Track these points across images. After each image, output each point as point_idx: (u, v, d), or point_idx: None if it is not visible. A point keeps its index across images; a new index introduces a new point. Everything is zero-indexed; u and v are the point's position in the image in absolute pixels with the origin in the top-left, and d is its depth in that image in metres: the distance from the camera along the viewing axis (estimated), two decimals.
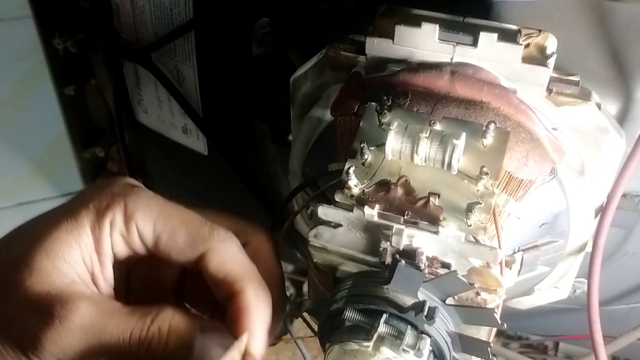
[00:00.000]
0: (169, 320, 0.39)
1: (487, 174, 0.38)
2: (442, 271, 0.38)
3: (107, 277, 0.43)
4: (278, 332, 0.45)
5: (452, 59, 0.44)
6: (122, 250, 0.42)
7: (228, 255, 0.42)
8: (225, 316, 0.41)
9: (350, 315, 0.37)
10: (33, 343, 0.38)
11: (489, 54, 0.43)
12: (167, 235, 0.42)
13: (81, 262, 0.41)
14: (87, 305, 0.39)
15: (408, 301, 0.37)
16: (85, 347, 0.38)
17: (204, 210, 0.44)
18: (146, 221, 0.41)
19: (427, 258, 0.38)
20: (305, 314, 0.45)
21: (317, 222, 0.40)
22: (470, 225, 0.37)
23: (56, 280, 0.39)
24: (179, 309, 0.40)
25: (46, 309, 0.38)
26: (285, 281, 0.46)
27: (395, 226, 0.38)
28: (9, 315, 0.39)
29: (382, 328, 0.36)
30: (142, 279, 0.47)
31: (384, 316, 0.36)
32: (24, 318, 0.39)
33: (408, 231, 0.38)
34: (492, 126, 0.40)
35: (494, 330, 0.39)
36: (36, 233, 0.41)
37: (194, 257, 0.42)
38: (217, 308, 0.45)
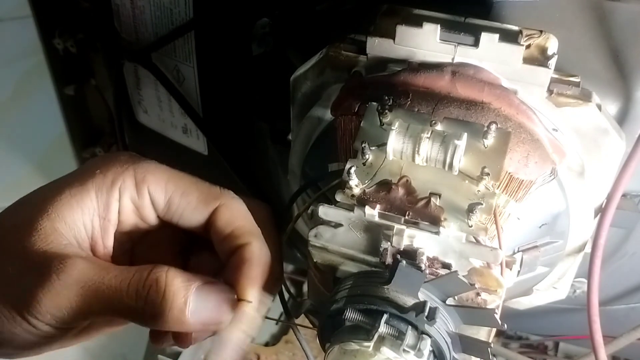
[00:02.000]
0: (165, 273, 0.39)
1: (488, 174, 0.38)
2: (442, 271, 0.38)
3: (107, 244, 0.43)
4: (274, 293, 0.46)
5: (453, 59, 0.44)
6: (130, 218, 0.43)
7: (238, 211, 0.43)
8: (224, 273, 0.42)
9: (350, 315, 0.37)
10: (29, 300, 0.38)
11: (490, 55, 0.44)
12: (179, 195, 0.43)
13: (81, 226, 0.41)
14: (84, 261, 0.39)
15: (408, 301, 0.37)
16: (81, 301, 0.38)
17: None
18: (158, 184, 0.43)
19: (428, 258, 0.38)
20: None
21: (318, 221, 0.40)
22: (471, 226, 0.37)
23: (54, 241, 0.40)
24: (172, 267, 0.40)
25: (43, 265, 0.38)
26: (282, 256, 0.47)
27: (396, 226, 0.38)
28: (6, 274, 0.39)
29: (382, 328, 0.36)
30: (144, 256, 0.47)
31: (385, 316, 0.36)
32: (20, 275, 0.39)
33: (409, 231, 0.38)
34: (493, 127, 0.40)
35: (494, 330, 0.39)
36: (40, 197, 0.42)
37: (207, 213, 0.43)
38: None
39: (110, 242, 0.43)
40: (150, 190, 0.43)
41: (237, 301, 0.40)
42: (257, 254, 0.42)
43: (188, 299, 0.39)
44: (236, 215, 0.43)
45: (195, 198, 0.43)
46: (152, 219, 0.44)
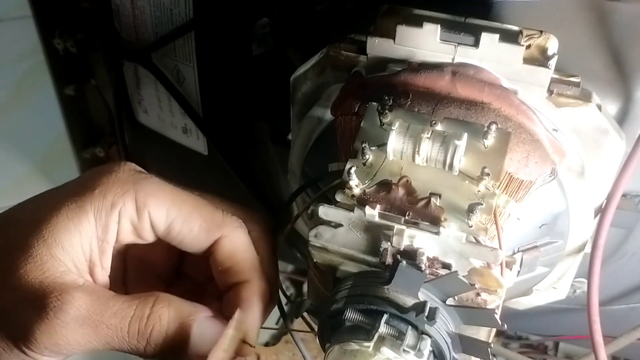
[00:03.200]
0: (168, 308, 0.39)
1: (488, 174, 0.38)
2: (442, 272, 0.38)
3: (105, 265, 0.42)
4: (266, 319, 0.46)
5: (453, 59, 0.44)
6: (128, 238, 0.42)
7: (239, 244, 0.42)
8: (221, 303, 0.42)
9: (350, 315, 0.37)
10: (25, 335, 0.37)
11: (491, 55, 0.43)
12: (181, 222, 0.42)
13: (79, 250, 0.40)
14: (83, 296, 0.38)
15: (409, 301, 0.37)
16: (80, 339, 0.37)
17: (204, 195, 0.44)
18: (159, 208, 0.41)
19: (428, 258, 0.38)
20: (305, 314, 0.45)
21: (318, 221, 0.40)
22: (472, 226, 0.37)
23: (50, 269, 0.38)
24: (173, 296, 0.40)
25: (39, 300, 0.37)
26: (279, 272, 0.47)
27: (396, 226, 0.38)
28: (1, 305, 0.38)
29: (382, 328, 0.36)
30: (138, 263, 0.46)
31: (385, 316, 0.36)
32: (16, 308, 0.38)
33: (409, 231, 0.38)
34: (493, 127, 0.40)
35: (494, 330, 0.39)
36: (34, 218, 0.39)
37: (208, 243, 0.42)
38: (208, 296, 0.45)
39: (108, 263, 0.42)
40: (152, 214, 0.41)
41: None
42: (257, 294, 0.41)
43: (190, 336, 0.39)
44: (237, 248, 0.42)
45: (197, 226, 0.42)
46: (152, 239, 0.43)
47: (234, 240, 0.42)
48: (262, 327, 0.43)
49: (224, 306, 0.42)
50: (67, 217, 0.39)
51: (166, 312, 0.39)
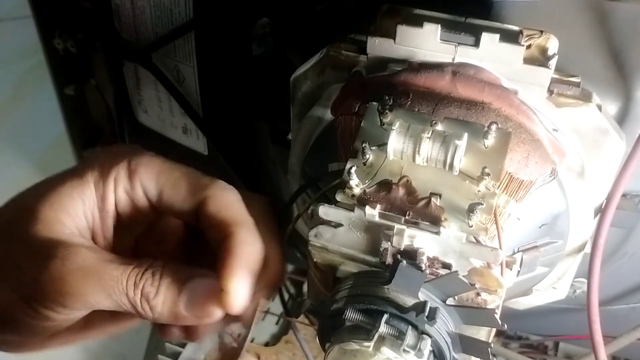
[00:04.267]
0: (161, 267, 0.40)
1: (488, 174, 0.38)
2: (442, 271, 0.38)
3: (106, 235, 0.44)
4: (273, 295, 0.45)
5: (453, 59, 0.44)
6: (126, 207, 0.44)
7: (226, 201, 0.42)
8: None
9: (350, 315, 0.37)
10: (33, 285, 0.39)
11: (491, 55, 0.44)
12: (170, 186, 0.43)
13: (82, 217, 0.42)
14: (88, 250, 0.40)
15: (409, 301, 0.37)
16: (84, 288, 0.39)
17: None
18: (149, 175, 0.43)
19: (428, 258, 0.38)
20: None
21: (318, 221, 0.40)
22: (472, 226, 0.37)
23: (57, 230, 0.40)
24: (172, 263, 0.41)
25: (48, 251, 0.39)
26: (283, 250, 0.46)
27: (397, 226, 0.38)
28: (10, 261, 0.40)
29: (383, 328, 0.36)
30: (147, 246, 0.47)
31: (385, 316, 0.36)
32: (25, 261, 0.40)
33: (409, 231, 0.38)
34: (493, 127, 0.40)
35: (494, 330, 0.39)
36: (43, 188, 0.42)
37: (195, 203, 0.42)
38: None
39: (109, 234, 0.44)
40: (142, 181, 0.43)
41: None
42: (241, 242, 0.40)
43: (182, 293, 0.39)
44: (224, 205, 0.42)
45: (184, 189, 0.43)
46: (147, 209, 0.44)
47: (220, 198, 0.42)
48: (268, 313, 0.42)
49: (216, 266, 0.42)
50: (71, 186, 0.42)
51: (159, 270, 0.40)
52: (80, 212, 0.42)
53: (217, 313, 0.40)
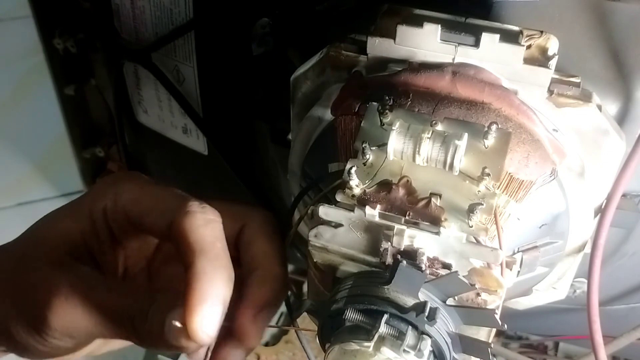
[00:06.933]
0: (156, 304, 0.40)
1: (488, 174, 0.38)
2: (442, 272, 0.38)
3: (101, 255, 0.45)
4: (272, 317, 0.45)
5: (453, 59, 0.44)
6: (120, 234, 0.45)
7: (190, 226, 0.40)
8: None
9: (350, 315, 0.37)
10: (40, 320, 0.40)
11: (491, 55, 0.43)
12: (147, 212, 0.43)
13: (78, 237, 0.44)
14: (78, 279, 0.41)
15: (409, 302, 0.37)
16: (87, 323, 0.40)
17: (202, 198, 0.44)
18: (130, 203, 0.44)
19: (428, 259, 0.38)
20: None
21: (318, 221, 0.40)
22: (472, 226, 0.37)
23: (51, 252, 0.42)
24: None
25: (51, 285, 0.40)
26: (287, 264, 0.45)
27: (397, 226, 0.38)
28: (19, 294, 0.42)
29: (383, 328, 0.36)
30: (160, 270, 0.49)
31: (385, 316, 0.36)
32: (31, 295, 0.41)
33: (409, 232, 0.38)
34: (493, 127, 0.40)
35: (494, 330, 0.39)
36: (46, 218, 0.45)
37: (164, 226, 0.41)
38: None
39: (104, 254, 0.45)
40: (126, 209, 0.44)
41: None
42: (198, 274, 0.38)
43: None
44: (187, 230, 0.40)
45: (157, 214, 0.42)
46: (135, 234, 0.46)
47: (184, 224, 0.40)
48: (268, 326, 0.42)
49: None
50: (69, 216, 0.44)
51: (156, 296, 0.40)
52: (75, 233, 0.44)
53: (191, 345, 0.38)
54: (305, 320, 0.48)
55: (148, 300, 0.40)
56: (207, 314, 0.37)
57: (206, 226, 0.40)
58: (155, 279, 0.49)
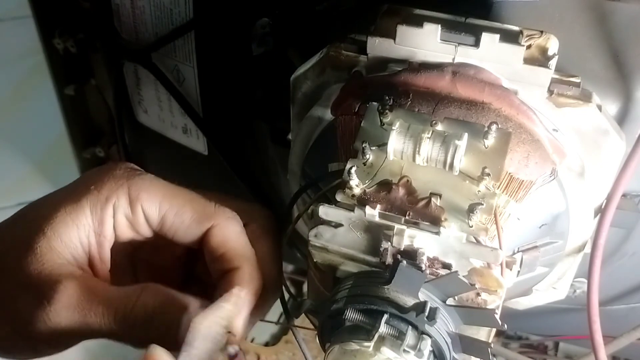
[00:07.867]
0: (154, 297, 0.39)
1: (488, 174, 0.38)
2: (442, 272, 0.38)
3: (103, 258, 0.43)
4: (265, 313, 0.46)
5: (453, 59, 0.44)
6: (126, 233, 0.43)
7: (231, 233, 0.42)
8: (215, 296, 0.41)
9: (350, 315, 0.37)
10: (24, 323, 0.39)
11: (491, 55, 0.43)
12: (173, 214, 0.43)
13: (77, 243, 0.42)
14: (75, 285, 0.39)
15: (409, 301, 0.37)
16: (71, 327, 0.39)
17: (206, 193, 0.45)
18: (151, 202, 0.42)
19: (428, 258, 0.38)
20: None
21: (318, 221, 0.40)
22: (472, 226, 0.37)
23: (49, 260, 0.40)
24: (166, 288, 0.40)
25: (36, 289, 0.39)
26: (282, 265, 0.46)
27: (397, 226, 0.38)
28: (3, 295, 0.40)
29: (383, 328, 0.36)
30: (147, 264, 0.47)
31: (385, 316, 0.36)
32: (16, 297, 0.40)
33: (409, 231, 0.38)
34: (493, 127, 0.40)
35: (494, 330, 0.39)
36: (38, 215, 0.42)
37: (200, 233, 0.42)
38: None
39: (106, 256, 0.43)
40: (144, 207, 0.42)
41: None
42: (247, 280, 0.41)
43: (179, 329, 0.39)
44: (228, 236, 0.42)
45: (188, 217, 0.43)
46: (148, 233, 0.44)
47: (225, 229, 0.43)
48: (263, 320, 0.42)
49: (216, 295, 0.42)
50: (66, 212, 0.41)
51: (151, 301, 0.39)
52: (75, 238, 0.41)
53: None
54: (305, 321, 0.48)
55: (136, 293, 0.40)
56: (246, 315, 0.40)
57: (243, 232, 0.43)
58: (139, 274, 0.48)
